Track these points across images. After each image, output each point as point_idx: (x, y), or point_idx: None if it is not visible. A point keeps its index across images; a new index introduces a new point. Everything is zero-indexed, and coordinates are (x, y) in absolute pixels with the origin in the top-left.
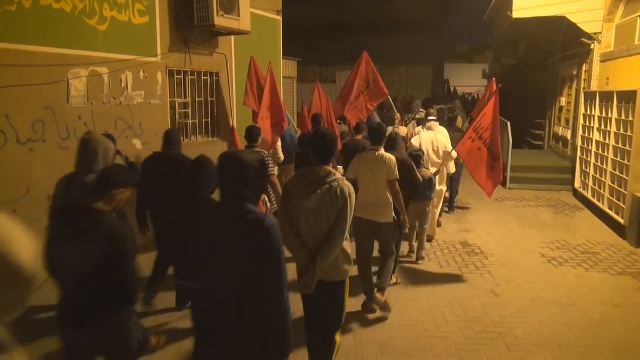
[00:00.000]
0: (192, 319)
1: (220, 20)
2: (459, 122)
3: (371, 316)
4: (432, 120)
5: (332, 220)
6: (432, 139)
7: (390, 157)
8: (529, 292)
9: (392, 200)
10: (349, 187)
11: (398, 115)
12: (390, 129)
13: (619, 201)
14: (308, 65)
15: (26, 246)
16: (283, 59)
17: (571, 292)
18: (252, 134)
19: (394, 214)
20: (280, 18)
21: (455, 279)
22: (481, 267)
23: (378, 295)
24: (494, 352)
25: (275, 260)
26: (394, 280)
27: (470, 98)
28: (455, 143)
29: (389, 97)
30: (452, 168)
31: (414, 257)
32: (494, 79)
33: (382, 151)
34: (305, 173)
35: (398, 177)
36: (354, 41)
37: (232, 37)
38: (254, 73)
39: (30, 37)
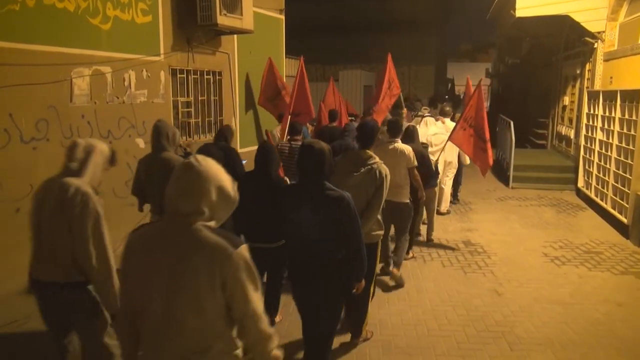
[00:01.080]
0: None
1: (223, 19)
2: (457, 117)
3: (373, 320)
4: (425, 115)
5: (370, 196)
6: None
7: (407, 148)
8: (531, 291)
9: (408, 184)
10: (385, 170)
11: (405, 110)
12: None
13: (622, 200)
14: (310, 64)
15: (227, 179)
16: (285, 57)
17: (574, 291)
18: (294, 128)
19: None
20: (282, 17)
21: (458, 278)
22: (483, 266)
23: (394, 270)
24: (496, 350)
25: (356, 224)
26: (411, 254)
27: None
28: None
29: (400, 94)
30: (466, 160)
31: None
32: (468, 76)
33: (399, 143)
34: (350, 155)
35: (416, 164)
36: (356, 40)
37: (235, 36)
38: (266, 73)
39: (34, 36)
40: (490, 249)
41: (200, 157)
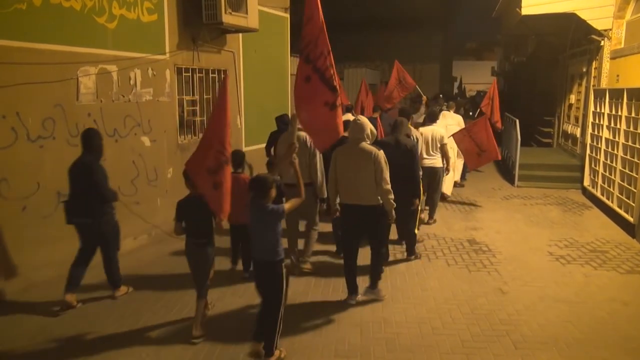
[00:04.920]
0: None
1: (228, 18)
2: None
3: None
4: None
5: None
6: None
7: (441, 130)
8: (536, 289)
9: (440, 155)
10: (417, 134)
11: (425, 98)
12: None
13: (629, 199)
14: None
15: (372, 127)
16: (291, 56)
17: (579, 290)
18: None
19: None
20: (287, 15)
21: (462, 276)
22: (488, 265)
23: (430, 221)
24: (500, 349)
25: (415, 160)
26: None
27: (482, 94)
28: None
29: (417, 87)
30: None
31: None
32: (494, 79)
33: (434, 126)
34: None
35: (446, 142)
36: (361, 39)
37: (240, 34)
38: (396, 74)
39: (41, 35)
40: (495, 248)
41: (359, 117)
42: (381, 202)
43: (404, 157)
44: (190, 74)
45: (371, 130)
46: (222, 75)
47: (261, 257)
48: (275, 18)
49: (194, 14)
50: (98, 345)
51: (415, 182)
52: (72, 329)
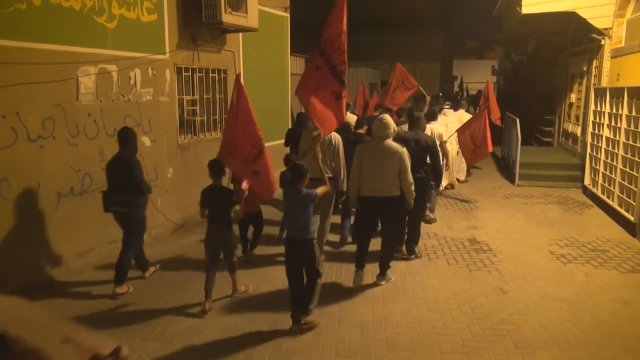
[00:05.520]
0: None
1: (228, 18)
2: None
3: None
4: (444, 107)
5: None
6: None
7: (441, 128)
8: (537, 289)
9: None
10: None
11: (429, 98)
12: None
13: (629, 198)
14: None
15: (394, 124)
16: (291, 55)
17: (580, 290)
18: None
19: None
20: (287, 15)
21: (463, 275)
22: (489, 264)
23: (430, 215)
24: (501, 349)
25: (437, 152)
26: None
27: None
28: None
29: (420, 87)
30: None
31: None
32: (488, 81)
33: (433, 124)
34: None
35: (446, 140)
36: (362, 38)
37: (240, 34)
38: (399, 75)
39: (40, 35)
40: (495, 247)
41: (384, 115)
42: (399, 193)
43: (422, 153)
44: (190, 73)
45: (394, 129)
46: (223, 75)
47: (295, 236)
48: (275, 18)
49: (193, 14)
50: None
51: (437, 171)
52: None
